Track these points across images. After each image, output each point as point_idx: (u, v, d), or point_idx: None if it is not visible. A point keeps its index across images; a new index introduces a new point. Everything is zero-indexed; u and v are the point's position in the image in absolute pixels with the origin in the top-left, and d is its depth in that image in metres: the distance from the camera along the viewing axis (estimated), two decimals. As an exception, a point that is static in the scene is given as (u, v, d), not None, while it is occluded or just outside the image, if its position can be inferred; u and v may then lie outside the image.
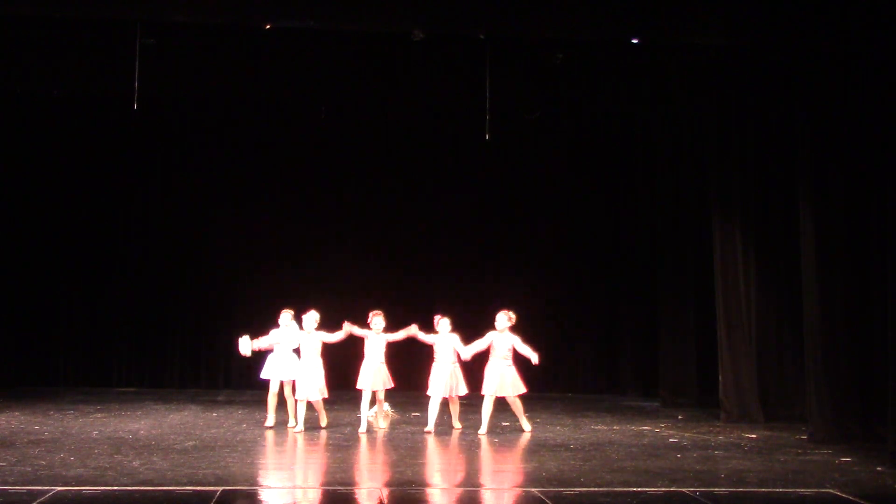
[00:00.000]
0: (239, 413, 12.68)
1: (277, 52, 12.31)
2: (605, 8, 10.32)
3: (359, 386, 11.42)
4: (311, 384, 11.15)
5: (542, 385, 16.50)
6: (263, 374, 11.57)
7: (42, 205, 15.96)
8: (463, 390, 11.42)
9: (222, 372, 15.89)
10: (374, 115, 15.76)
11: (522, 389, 11.40)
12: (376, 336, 11.43)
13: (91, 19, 11.02)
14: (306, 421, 11.24)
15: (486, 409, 11.24)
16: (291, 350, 11.44)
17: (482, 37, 11.59)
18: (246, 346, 11.22)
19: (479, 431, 11.16)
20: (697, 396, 14.15)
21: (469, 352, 11.30)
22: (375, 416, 11.78)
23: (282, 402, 11.49)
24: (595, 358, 16.81)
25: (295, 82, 12.96)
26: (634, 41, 11.37)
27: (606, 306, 16.75)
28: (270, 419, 11.43)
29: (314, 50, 12.32)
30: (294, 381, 11.34)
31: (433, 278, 16.42)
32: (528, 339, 16.53)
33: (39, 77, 12.54)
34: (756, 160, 12.89)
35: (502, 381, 11.26)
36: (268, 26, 10.91)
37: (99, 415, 12.45)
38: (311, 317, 11.30)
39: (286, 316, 11.52)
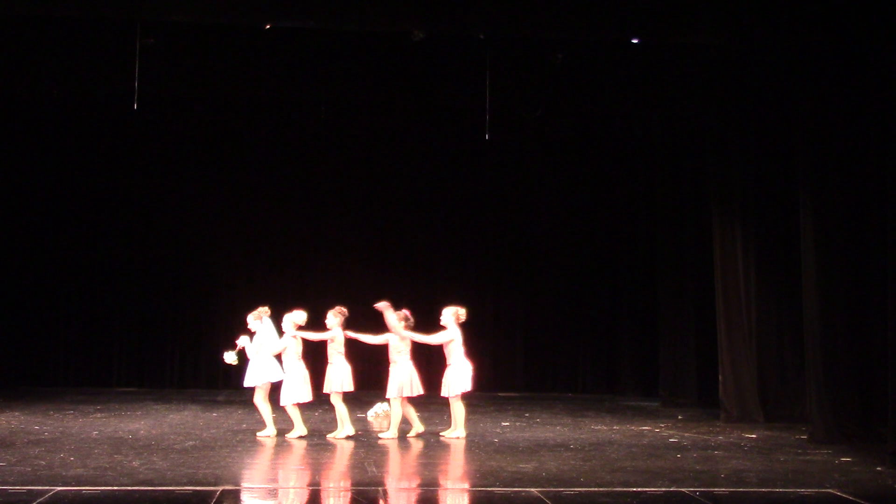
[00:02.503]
0: (239, 413, 12.68)
1: (277, 52, 12.30)
2: (605, 8, 10.32)
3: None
4: (286, 388, 10.74)
5: (542, 385, 16.60)
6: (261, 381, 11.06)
7: (42, 205, 15.99)
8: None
9: (222, 372, 15.86)
10: (374, 115, 15.76)
11: (461, 389, 10.82)
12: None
13: (91, 19, 11.02)
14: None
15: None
16: (272, 355, 10.97)
17: (482, 37, 11.59)
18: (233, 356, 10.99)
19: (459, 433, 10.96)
20: (697, 396, 14.15)
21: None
22: (376, 416, 11.76)
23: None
24: (595, 358, 16.82)
25: (295, 82, 12.96)
26: (634, 41, 11.37)
27: (606, 306, 16.77)
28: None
29: (314, 50, 12.33)
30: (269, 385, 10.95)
31: (432, 278, 16.42)
32: (528, 339, 16.79)
33: (39, 77, 12.53)
34: (756, 160, 12.89)
35: (445, 379, 10.90)
36: (268, 26, 10.91)
37: (99, 415, 12.45)
38: (294, 317, 10.80)
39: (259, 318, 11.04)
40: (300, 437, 10.69)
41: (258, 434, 10.82)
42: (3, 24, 11.05)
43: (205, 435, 10.79)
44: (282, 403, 10.83)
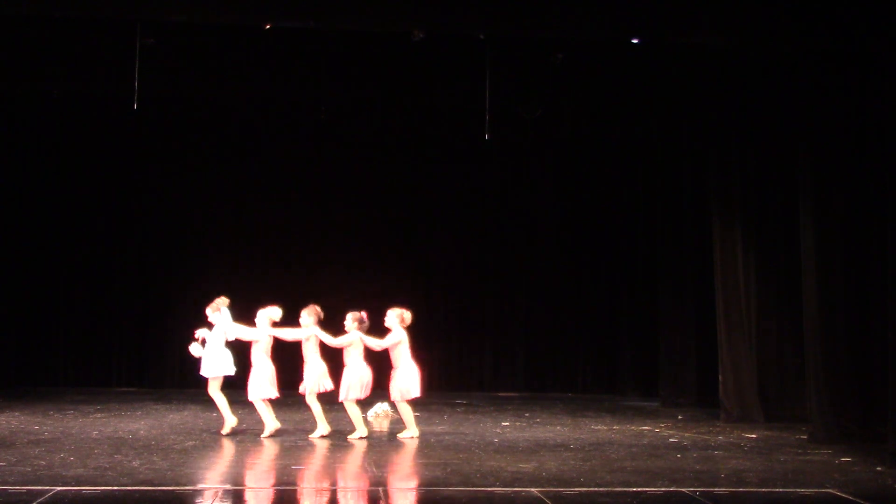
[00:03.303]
0: (238, 413, 12.63)
1: (277, 52, 12.31)
2: (605, 8, 10.32)
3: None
4: (254, 383, 10.78)
5: (542, 385, 16.60)
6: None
7: (42, 205, 15.99)
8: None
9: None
10: (374, 115, 15.77)
11: (408, 395, 10.81)
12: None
13: (91, 19, 11.02)
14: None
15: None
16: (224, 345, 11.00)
17: (482, 37, 11.59)
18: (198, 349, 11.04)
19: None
20: (697, 396, 14.15)
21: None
22: (376, 416, 11.77)
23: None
24: (595, 358, 16.82)
25: (295, 82, 12.97)
26: (634, 41, 11.37)
27: (606, 306, 16.77)
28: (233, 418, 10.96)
29: (314, 50, 12.33)
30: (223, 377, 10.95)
31: (431, 277, 16.44)
32: (528, 339, 16.79)
33: (39, 77, 12.54)
34: (756, 160, 12.89)
35: (393, 383, 10.89)
36: (268, 26, 10.91)
37: (99, 415, 12.45)
38: (269, 313, 10.82)
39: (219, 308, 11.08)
40: (271, 434, 10.68)
41: (222, 432, 10.79)
42: (3, 24, 11.05)
43: (205, 435, 10.80)
44: (250, 398, 10.86)
